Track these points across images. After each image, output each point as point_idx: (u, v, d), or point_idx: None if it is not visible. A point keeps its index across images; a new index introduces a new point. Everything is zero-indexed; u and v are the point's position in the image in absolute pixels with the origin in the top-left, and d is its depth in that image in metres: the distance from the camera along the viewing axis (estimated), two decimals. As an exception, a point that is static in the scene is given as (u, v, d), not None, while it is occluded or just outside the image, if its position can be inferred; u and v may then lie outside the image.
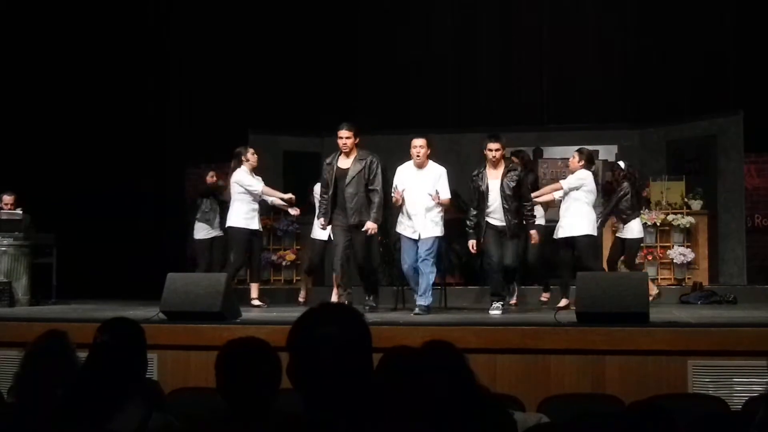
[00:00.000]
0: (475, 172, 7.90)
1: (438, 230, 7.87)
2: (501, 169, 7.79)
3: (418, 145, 7.82)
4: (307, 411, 2.16)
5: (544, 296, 9.43)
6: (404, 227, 7.92)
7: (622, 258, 9.39)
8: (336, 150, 8.03)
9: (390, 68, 12.65)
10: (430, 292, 7.80)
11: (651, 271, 10.37)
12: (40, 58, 11.51)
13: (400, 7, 12.86)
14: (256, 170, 8.99)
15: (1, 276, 9.02)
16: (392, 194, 7.87)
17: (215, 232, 9.70)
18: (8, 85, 11.20)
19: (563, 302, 8.40)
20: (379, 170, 7.87)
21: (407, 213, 7.85)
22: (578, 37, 12.46)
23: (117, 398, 3.04)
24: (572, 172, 8.65)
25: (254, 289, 8.99)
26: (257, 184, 8.86)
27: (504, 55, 12.76)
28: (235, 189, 8.83)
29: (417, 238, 7.80)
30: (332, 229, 8.07)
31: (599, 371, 5.61)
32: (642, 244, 9.79)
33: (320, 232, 9.03)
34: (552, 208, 9.12)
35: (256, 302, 8.88)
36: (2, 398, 4.04)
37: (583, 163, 8.53)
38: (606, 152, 13.32)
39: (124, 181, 11.63)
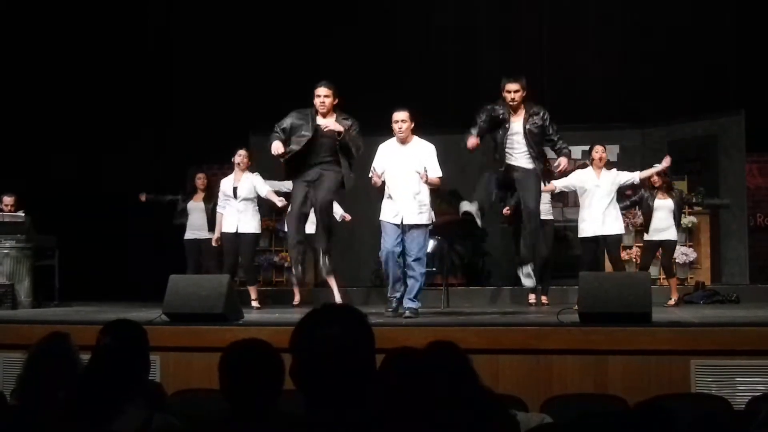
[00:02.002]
0: (496, 104, 7.12)
1: (425, 217, 7.08)
2: (522, 114, 7.04)
3: (400, 119, 7.07)
4: (310, 412, 2.16)
5: (544, 299, 9.43)
6: (386, 212, 7.12)
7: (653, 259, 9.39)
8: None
9: (390, 69, 12.64)
10: (420, 295, 7.14)
11: (653, 271, 10.36)
12: (40, 60, 11.53)
13: (400, 7, 12.86)
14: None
15: (4, 278, 9.03)
16: (370, 176, 7.12)
17: (207, 235, 9.58)
18: (8, 86, 11.21)
19: None
20: (359, 134, 7.23)
21: (390, 196, 7.11)
22: (580, 36, 12.46)
23: (119, 400, 3.05)
24: (602, 165, 8.57)
25: (252, 292, 8.98)
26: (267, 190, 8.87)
27: (504, 55, 12.75)
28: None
29: (399, 222, 7.04)
30: (294, 188, 7.34)
31: (602, 371, 5.61)
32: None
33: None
34: (556, 207, 9.10)
35: (255, 304, 8.87)
36: (5, 400, 4.04)
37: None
38: (607, 152, 13.28)
39: (126, 182, 11.63)
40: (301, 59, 12.46)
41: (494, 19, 12.80)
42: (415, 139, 7.19)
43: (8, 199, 9.57)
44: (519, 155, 7.09)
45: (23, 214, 9.47)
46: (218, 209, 8.86)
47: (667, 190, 9.06)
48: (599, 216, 8.34)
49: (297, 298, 9.59)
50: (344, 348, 2.14)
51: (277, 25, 12.51)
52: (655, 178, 9.08)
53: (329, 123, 7.17)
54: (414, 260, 7.02)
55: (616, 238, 8.51)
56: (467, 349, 3.49)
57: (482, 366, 4.03)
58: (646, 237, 9.13)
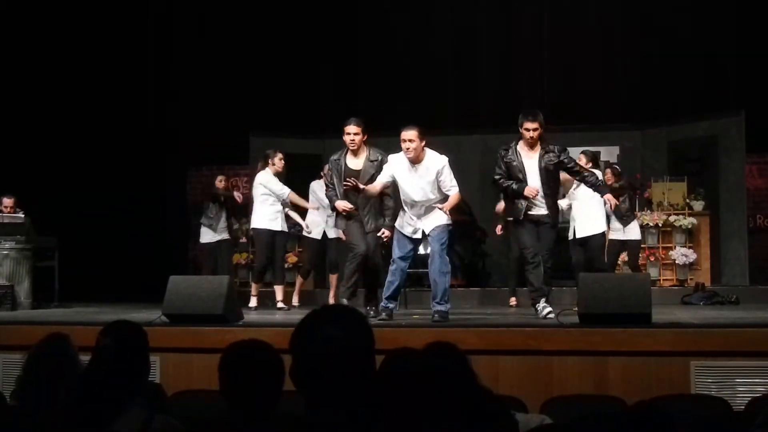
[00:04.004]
0: (505, 147, 7.15)
1: (445, 217, 6.84)
2: (537, 150, 7.09)
3: (407, 138, 6.74)
4: (310, 412, 2.16)
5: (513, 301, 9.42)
6: (403, 224, 7.00)
7: (622, 259, 9.39)
8: (340, 148, 7.41)
9: (390, 69, 12.65)
10: (448, 296, 6.91)
11: (653, 272, 10.37)
12: (40, 60, 11.52)
13: (400, 7, 12.87)
14: (278, 175, 8.96)
15: (3, 279, 9.02)
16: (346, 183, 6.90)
17: (220, 236, 9.76)
18: (9, 87, 11.21)
19: None
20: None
21: (408, 213, 6.97)
22: (580, 37, 12.46)
23: (119, 401, 3.04)
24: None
25: (279, 292, 8.96)
26: (285, 190, 8.80)
27: (505, 55, 12.76)
28: (259, 190, 8.83)
29: (420, 237, 7.00)
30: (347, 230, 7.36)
31: (602, 372, 5.61)
32: (643, 245, 9.80)
33: (314, 230, 9.09)
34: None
35: (281, 305, 8.86)
36: (5, 402, 4.04)
37: (590, 164, 8.47)
38: (607, 153, 13.28)
39: (126, 183, 11.64)
40: (301, 60, 12.47)
41: (495, 19, 12.80)
42: (428, 155, 6.88)
43: (8, 201, 9.58)
44: (536, 201, 7.11)
45: (23, 215, 9.48)
46: (262, 200, 8.86)
47: None
48: (576, 219, 8.44)
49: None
50: (344, 349, 2.14)
51: (277, 26, 12.51)
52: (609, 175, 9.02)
53: (357, 164, 7.22)
54: (436, 256, 6.83)
55: (594, 239, 8.42)
56: (467, 350, 3.49)
57: (482, 367, 4.03)
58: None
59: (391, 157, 7.02)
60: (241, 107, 12.23)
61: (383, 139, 7.48)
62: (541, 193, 7.06)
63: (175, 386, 5.27)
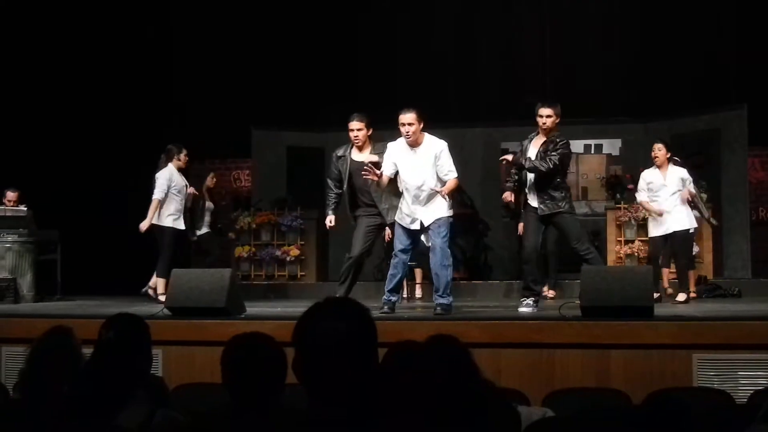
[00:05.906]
0: (524, 141, 7.22)
1: (444, 208, 6.79)
2: (542, 140, 7.04)
3: (407, 122, 6.68)
4: (312, 406, 2.16)
5: (550, 293, 9.40)
6: (402, 215, 6.88)
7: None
8: (344, 143, 7.36)
9: (392, 62, 12.64)
10: (450, 289, 6.84)
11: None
12: (42, 55, 11.51)
13: (401, 5, 12.84)
14: (183, 171, 8.85)
15: (6, 272, 9.03)
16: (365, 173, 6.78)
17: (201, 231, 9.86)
18: (11, 81, 11.20)
19: (682, 296, 8.27)
20: None
21: (406, 200, 6.85)
22: (581, 30, 12.43)
23: (122, 394, 3.05)
24: (660, 165, 8.40)
25: (161, 285, 8.58)
26: (160, 194, 8.58)
27: (506, 49, 12.75)
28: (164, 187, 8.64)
29: (418, 228, 6.84)
30: (360, 227, 7.24)
31: (604, 365, 5.61)
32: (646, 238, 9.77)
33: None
34: None
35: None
36: (8, 395, 4.05)
37: (670, 154, 8.42)
38: (610, 146, 13.30)
39: (128, 177, 11.62)
40: (302, 53, 12.45)
41: (496, 13, 12.77)
42: (426, 139, 6.82)
43: (11, 194, 9.59)
44: (530, 189, 7.09)
45: (25, 209, 9.48)
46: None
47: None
48: (666, 214, 8.28)
49: None
50: (347, 342, 2.14)
51: (278, 21, 12.50)
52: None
53: (363, 158, 7.12)
54: (438, 249, 6.75)
55: (683, 233, 8.35)
56: (469, 343, 3.48)
57: (484, 360, 4.03)
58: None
59: (389, 146, 6.95)
60: (244, 100, 12.23)
61: (385, 132, 7.44)
62: (534, 185, 7.04)
63: (178, 379, 5.27)
